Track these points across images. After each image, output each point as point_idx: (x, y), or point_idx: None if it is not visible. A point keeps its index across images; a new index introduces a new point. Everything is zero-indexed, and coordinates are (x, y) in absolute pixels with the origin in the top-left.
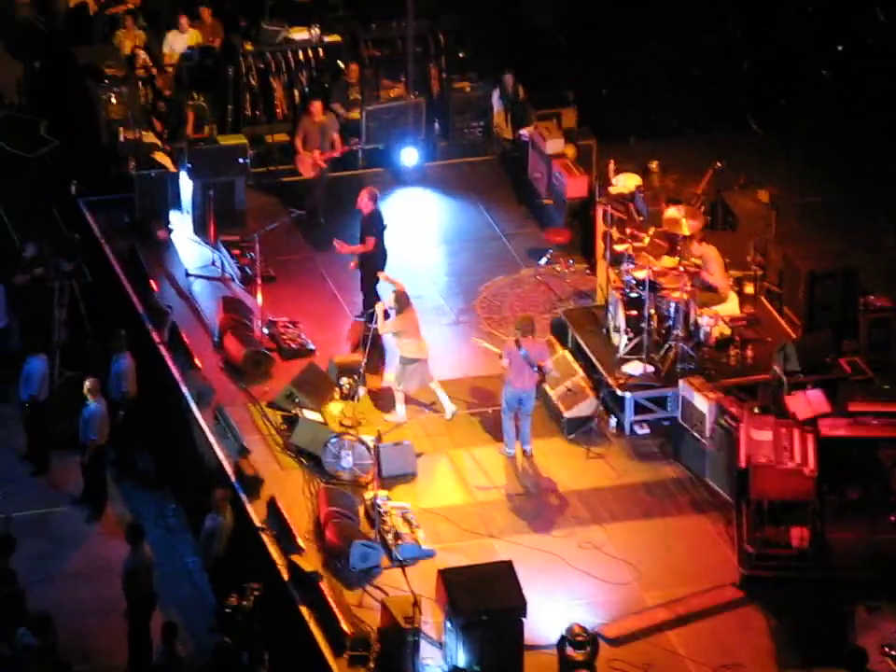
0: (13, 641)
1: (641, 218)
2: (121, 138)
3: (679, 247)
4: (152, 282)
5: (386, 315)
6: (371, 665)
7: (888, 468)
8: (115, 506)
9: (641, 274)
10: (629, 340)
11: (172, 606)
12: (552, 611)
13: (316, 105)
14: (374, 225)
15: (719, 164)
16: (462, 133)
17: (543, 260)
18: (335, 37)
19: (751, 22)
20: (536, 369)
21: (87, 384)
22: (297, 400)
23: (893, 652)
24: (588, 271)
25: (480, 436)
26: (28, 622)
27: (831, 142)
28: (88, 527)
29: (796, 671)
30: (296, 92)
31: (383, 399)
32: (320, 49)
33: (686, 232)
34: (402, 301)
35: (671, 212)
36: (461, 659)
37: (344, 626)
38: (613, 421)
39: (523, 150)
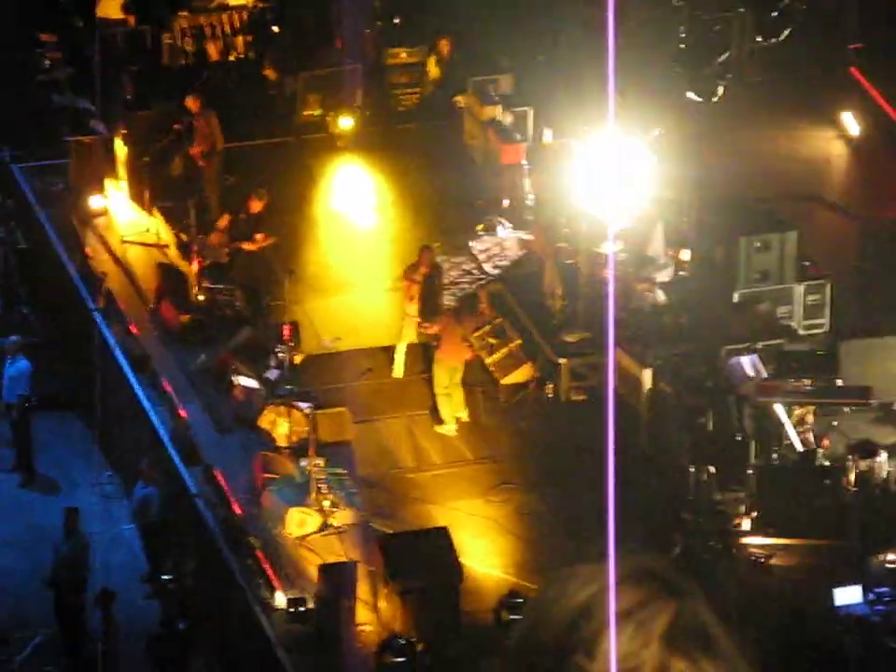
0: None
1: None
2: (55, 103)
3: None
4: (87, 248)
5: None
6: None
7: None
8: (50, 472)
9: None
10: (564, 307)
11: (107, 572)
12: (488, 577)
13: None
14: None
15: None
16: (398, 99)
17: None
18: (268, 3)
19: None
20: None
21: (10, 342)
22: (232, 367)
23: None
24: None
25: (417, 402)
26: None
27: None
28: (21, 494)
29: None
30: (230, 58)
31: (317, 367)
32: (255, 14)
33: None
34: None
35: None
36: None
37: (280, 589)
38: (549, 388)
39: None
